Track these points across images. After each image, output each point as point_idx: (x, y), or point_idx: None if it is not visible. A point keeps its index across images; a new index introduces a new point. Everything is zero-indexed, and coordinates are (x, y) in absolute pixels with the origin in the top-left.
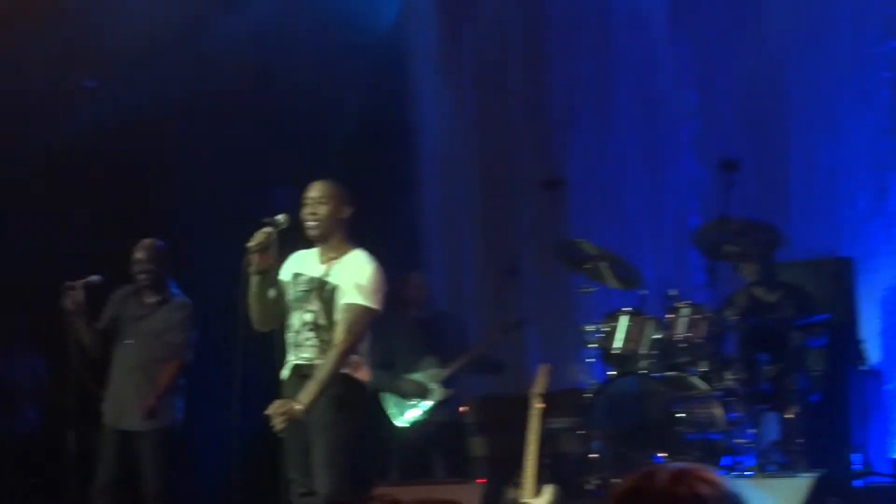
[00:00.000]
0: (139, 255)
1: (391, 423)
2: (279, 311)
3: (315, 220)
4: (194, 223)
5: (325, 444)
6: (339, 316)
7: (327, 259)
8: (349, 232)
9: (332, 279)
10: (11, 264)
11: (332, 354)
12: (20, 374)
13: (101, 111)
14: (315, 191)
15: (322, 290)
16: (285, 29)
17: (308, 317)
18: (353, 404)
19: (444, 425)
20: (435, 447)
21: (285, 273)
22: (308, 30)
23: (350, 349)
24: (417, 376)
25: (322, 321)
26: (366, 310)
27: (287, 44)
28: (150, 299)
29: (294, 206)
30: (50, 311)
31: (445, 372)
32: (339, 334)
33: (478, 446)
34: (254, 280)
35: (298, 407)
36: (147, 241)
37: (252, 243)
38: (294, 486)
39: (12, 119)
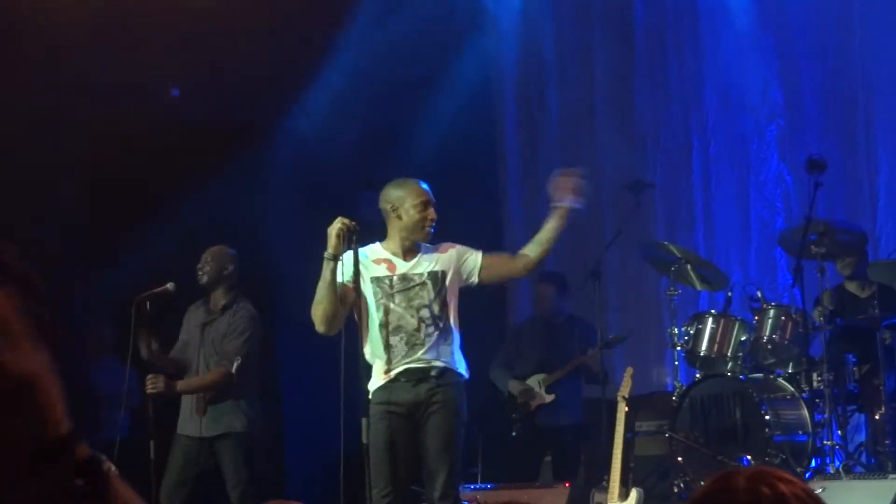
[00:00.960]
0: (205, 257)
1: (487, 422)
2: (344, 312)
3: (434, 219)
4: (287, 231)
5: (452, 447)
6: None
7: (414, 254)
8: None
9: (439, 268)
10: (100, 276)
11: (536, 252)
12: (106, 383)
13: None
14: (426, 185)
15: (436, 283)
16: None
17: (426, 313)
18: (466, 405)
19: (550, 429)
20: (543, 450)
21: (349, 276)
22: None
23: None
24: (530, 380)
25: (438, 311)
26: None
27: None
28: (217, 305)
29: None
30: (137, 322)
31: (551, 378)
32: (517, 256)
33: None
34: (328, 266)
35: None
36: (216, 247)
37: (334, 227)
38: (383, 495)
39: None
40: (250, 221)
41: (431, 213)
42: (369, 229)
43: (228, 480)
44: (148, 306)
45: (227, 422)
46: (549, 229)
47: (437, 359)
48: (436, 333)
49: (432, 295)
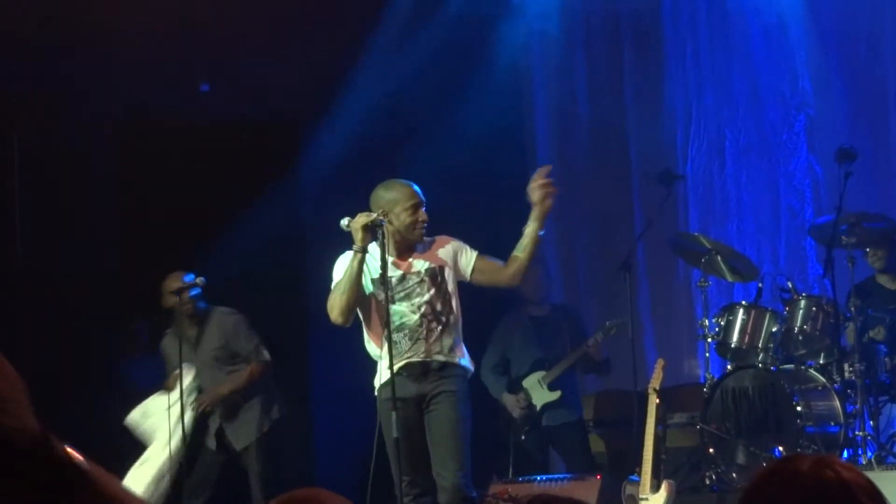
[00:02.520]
0: (176, 287)
1: (510, 420)
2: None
3: (426, 220)
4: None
5: (458, 439)
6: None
7: (410, 254)
8: (444, 225)
9: (436, 263)
10: (131, 273)
11: (520, 261)
12: (140, 378)
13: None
14: (418, 188)
15: (435, 279)
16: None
17: (427, 309)
18: (470, 399)
19: (557, 428)
20: (552, 447)
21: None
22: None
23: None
24: (528, 380)
25: (440, 307)
26: None
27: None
28: (190, 331)
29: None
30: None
31: (551, 374)
32: (503, 263)
33: (596, 443)
34: (356, 258)
35: None
36: (176, 274)
37: (358, 220)
38: (407, 487)
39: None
40: (281, 219)
41: (422, 214)
42: None
43: (258, 481)
44: (179, 300)
45: (249, 431)
46: (527, 234)
47: (439, 353)
48: (438, 328)
49: (432, 291)
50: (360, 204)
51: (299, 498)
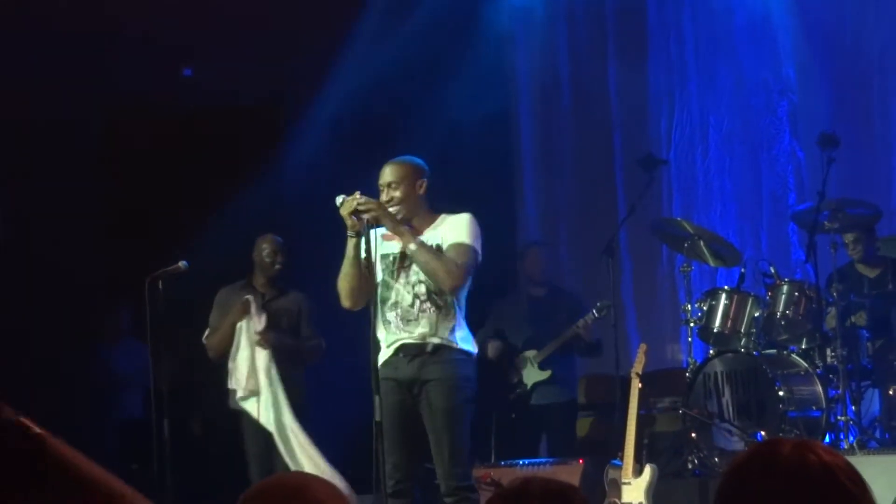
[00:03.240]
0: (266, 248)
1: (496, 401)
2: (368, 288)
3: (391, 204)
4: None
5: (453, 426)
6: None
7: (414, 230)
8: (432, 203)
9: (433, 240)
10: (115, 258)
11: (447, 259)
12: (124, 364)
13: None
14: (387, 175)
15: None
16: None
17: (421, 289)
18: (473, 383)
19: (547, 407)
20: (538, 428)
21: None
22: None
23: (460, 273)
24: (517, 358)
25: (435, 287)
26: (472, 248)
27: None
28: (271, 292)
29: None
30: (152, 301)
31: (542, 353)
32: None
33: (579, 426)
34: (350, 243)
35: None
36: (270, 237)
37: (343, 208)
38: (390, 469)
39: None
40: (264, 203)
41: (388, 193)
42: None
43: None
44: (160, 285)
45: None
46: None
47: (433, 335)
48: (431, 309)
49: None
50: (344, 188)
51: (280, 483)
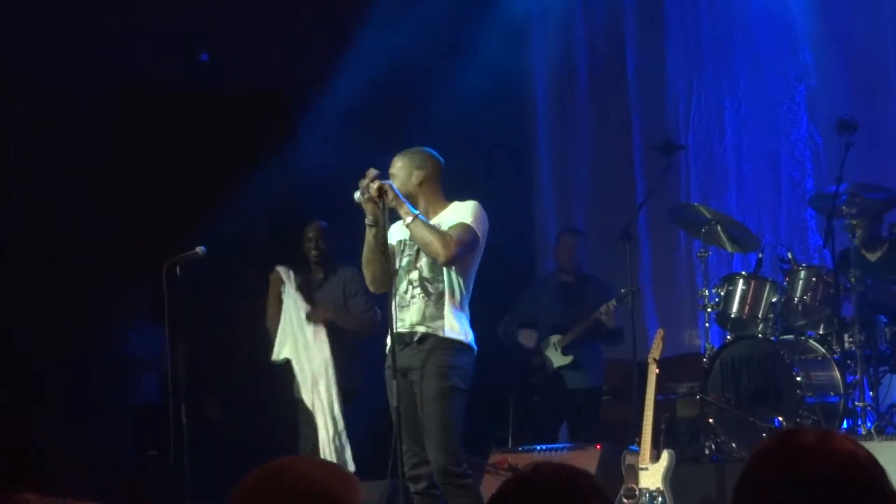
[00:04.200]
0: (307, 234)
1: (516, 387)
2: (390, 275)
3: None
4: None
5: (437, 414)
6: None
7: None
8: (442, 191)
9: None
10: (131, 242)
11: (443, 233)
12: (140, 346)
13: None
14: (393, 167)
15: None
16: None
17: (414, 275)
18: (461, 371)
19: (570, 392)
20: (560, 413)
21: (392, 239)
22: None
23: (453, 246)
24: (543, 343)
25: (427, 273)
26: (471, 228)
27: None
28: (318, 274)
29: None
30: (170, 286)
31: (566, 339)
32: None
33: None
34: (369, 232)
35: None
36: (314, 223)
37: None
38: (405, 455)
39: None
40: (279, 188)
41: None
42: None
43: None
44: (178, 270)
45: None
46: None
47: (420, 323)
48: (422, 297)
49: (424, 258)
50: (358, 172)
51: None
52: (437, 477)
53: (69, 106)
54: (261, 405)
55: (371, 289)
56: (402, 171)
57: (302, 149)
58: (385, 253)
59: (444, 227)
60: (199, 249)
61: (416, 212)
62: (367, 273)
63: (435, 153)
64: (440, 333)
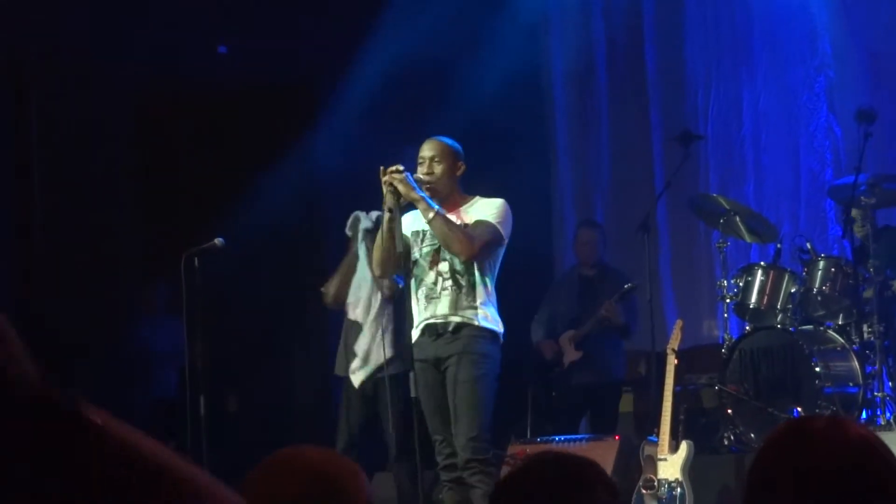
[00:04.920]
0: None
1: (535, 380)
2: (400, 261)
3: (431, 178)
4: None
5: (469, 399)
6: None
7: (447, 207)
8: (464, 186)
9: (461, 222)
10: (151, 234)
11: (465, 230)
12: (159, 339)
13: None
14: (429, 150)
15: None
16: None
17: (443, 266)
18: (495, 360)
19: (586, 386)
20: (579, 407)
21: (405, 229)
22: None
23: (478, 244)
24: (561, 338)
25: (458, 266)
26: (493, 226)
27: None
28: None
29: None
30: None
31: (578, 334)
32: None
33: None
34: (385, 216)
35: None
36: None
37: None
38: (439, 446)
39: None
40: (299, 181)
41: (425, 167)
42: None
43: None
44: (196, 262)
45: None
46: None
47: (454, 314)
48: (453, 289)
49: None
50: (377, 166)
51: (281, 458)
52: (462, 461)
53: (90, 98)
54: (279, 398)
55: (376, 272)
56: (448, 158)
57: (321, 142)
58: (392, 244)
59: (472, 217)
60: (218, 241)
61: (437, 207)
62: (374, 255)
63: None
64: (475, 322)
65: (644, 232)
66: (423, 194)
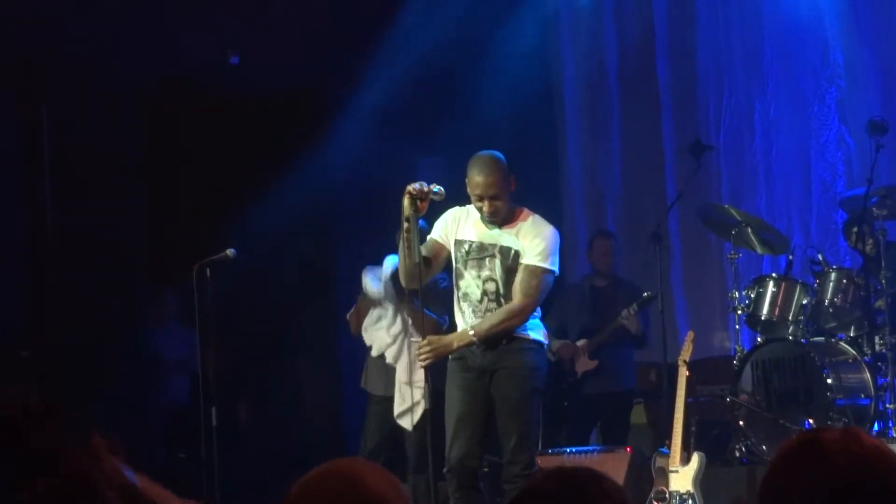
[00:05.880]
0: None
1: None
2: (417, 272)
3: (493, 210)
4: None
5: (523, 416)
6: (519, 278)
7: (497, 223)
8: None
9: (512, 244)
10: (162, 243)
11: (511, 310)
12: (170, 349)
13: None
14: (486, 185)
15: (506, 258)
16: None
17: (491, 286)
18: (543, 371)
19: (598, 396)
20: (591, 417)
21: (443, 233)
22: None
23: (530, 310)
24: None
25: (504, 290)
26: (547, 272)
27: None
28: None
29: (441, 177)
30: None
31: (591, 344)
32: (519, 295)
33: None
34: (402, 227)
35: (460, 341)
36: None
37: (411, 187)
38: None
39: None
40: (310, 189)
41: (486, 205)
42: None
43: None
44: (209, 272)
45: None
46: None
47: None
48: (495, 307)
49: (500, 270)
50: (388, 174)
51: (336, 471)
52: (506, 476)
53: (101, 107)
54: (290, 407)
55: (402, 283)
56: (505, 182)
57: (332, 151)
58: (410, 251)
59: (522, 254)
60: (230, 251)
61: (472, 332)
62: (399, 268)
63: None
64: (527, 335)
65: (655, 242)
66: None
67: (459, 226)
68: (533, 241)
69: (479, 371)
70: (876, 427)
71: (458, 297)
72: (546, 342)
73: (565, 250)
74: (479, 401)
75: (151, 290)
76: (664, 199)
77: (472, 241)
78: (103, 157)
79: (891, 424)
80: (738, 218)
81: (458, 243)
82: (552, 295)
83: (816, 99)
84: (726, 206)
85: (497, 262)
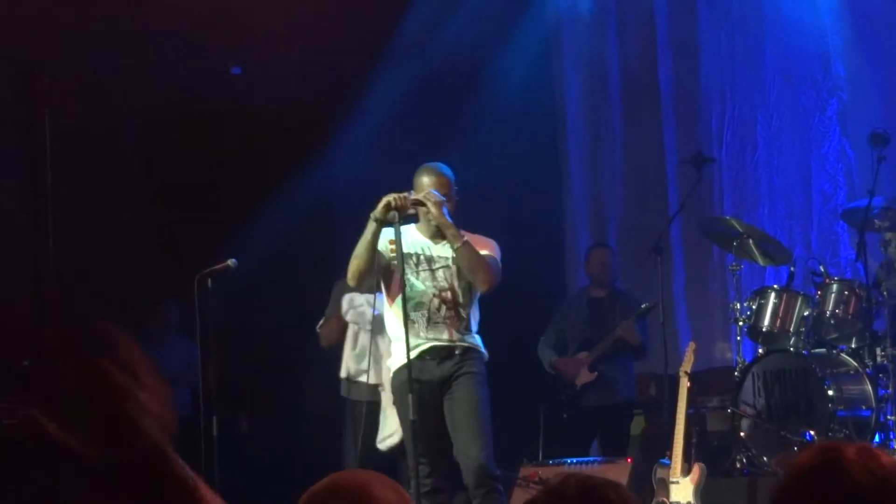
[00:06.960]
0: None
1: (546, 401)
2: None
3: (450, 209)
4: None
5: (482, 418)
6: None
7: (442, 237)
8: (478, 206)
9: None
10: (162, 254)
11: (485, 258)
12: (171, 359)
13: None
14: (438, 183)
15: (461, 269)
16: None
17: (447, 294)
18: (487, 382)
19: (598, 408)
20: (590, 429)
21: (383, 247)
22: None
23: (497, 270)
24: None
25: (462, 298)
26: (499, 267)
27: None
28: None
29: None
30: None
31: (590, 356)
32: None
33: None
34: (370, 227)
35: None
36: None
37: (388, 195)
38: (424, 468)
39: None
40: (311, 200)
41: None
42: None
43: None
44: (209, 283)
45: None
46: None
47: (461, 339)
48: (454, 316)
49: (457, 280)
50: (390, 186)
51: (344, 482)
52: (473, 480)
53: (103, 118)
54: (291, 418)
55: (350, 283)
56: (445, 188)
57: (333, 162)
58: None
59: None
60: (231, 262)
61: (464, 236)
62: (352, 265)
63: None
64: (478, 347)
65: (657, 254)
66: (450, 220)
67: (411, 240)
68: (487, 245)
69: (437, 383)
70: (877, 438)
71: (407, 308)
72: (487, 356)
73: (569, 263)
74: (439, 420)
75: (152, 300)
76: (666, 211)
77: (418, 253)
78: (104, 168)
79: (892, 436)
80: (740, 229)
81: (406, 256)
82: (550, 307)
83: (818, 111)
84: (728, 217)
85: (451, 272)
